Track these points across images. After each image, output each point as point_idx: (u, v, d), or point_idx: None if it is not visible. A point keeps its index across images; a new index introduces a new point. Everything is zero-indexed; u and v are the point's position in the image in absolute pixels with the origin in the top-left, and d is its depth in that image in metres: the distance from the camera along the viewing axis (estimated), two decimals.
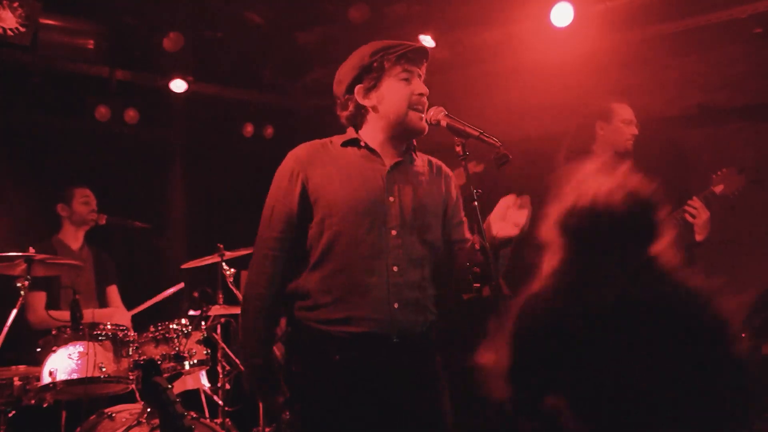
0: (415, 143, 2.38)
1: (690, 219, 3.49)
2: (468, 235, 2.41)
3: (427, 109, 2.28)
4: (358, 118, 2.32)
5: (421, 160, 2.40)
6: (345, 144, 2.31)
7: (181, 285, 4.31)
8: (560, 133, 3.97)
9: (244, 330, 2.28)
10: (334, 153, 2.30)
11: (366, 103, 2.28)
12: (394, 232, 2.22)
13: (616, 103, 3.69)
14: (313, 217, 2.23)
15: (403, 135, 2.31)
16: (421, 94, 2.26)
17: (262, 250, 2.28)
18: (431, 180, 2.38)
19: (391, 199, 2.25)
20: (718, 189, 3.49)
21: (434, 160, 2.45)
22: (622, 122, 3.65)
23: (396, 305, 2.17)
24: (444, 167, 2.45)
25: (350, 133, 2.34)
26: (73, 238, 4.25)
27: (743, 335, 3.67)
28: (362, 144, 2.30)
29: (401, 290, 2.19)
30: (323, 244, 2.20)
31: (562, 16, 3.92)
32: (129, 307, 4.33)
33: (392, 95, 2.25)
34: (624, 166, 1.61)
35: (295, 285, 2.26)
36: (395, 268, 2.19)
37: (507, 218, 2.12)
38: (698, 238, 3.51)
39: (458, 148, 2.20)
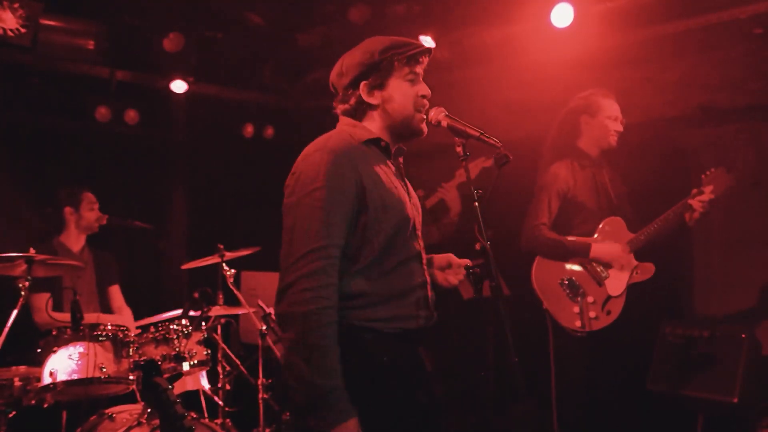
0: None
1: (694, 215, 3.47)
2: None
3: (428, 110, 2.28)
4: (358, 113, 2.26)
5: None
6: (366, 143, 2.21)
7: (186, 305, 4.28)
8: None
9: (311, 350, 1.93)
10: (363, 152, 2.17)
11: (371, 100, 2.23)
12: (419, 233, 2.27)
13: (602, 98, 3.67)
14: (361, 220, 2.08)
15: (404, 136, 2.29)
16: (424, 96, 2.25)
17: (318, 260, 1.98)
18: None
19: (408, 200, 2.26)
20: (708, 189, 3.48)
21: None
22: (608, 118, 3.63)
23: (431, 302, 2.25)
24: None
25: (361, 129, 2.24)
26: (75, 240, 4.25)
27: (743, 336, 3.70)
28: (383, 144, 2.24)
29: (430, 290, 2.26)
30: (375, 248, 2.09)
31: (562, 16, 3.92)
32: (135, 319, 4.31)
33: (399, 96, 2.22)
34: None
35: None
36: (425, 269, 2.25)
37: (445, 271, 2.29)
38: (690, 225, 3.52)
39: (459, 149, 2.21)
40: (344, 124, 2.28)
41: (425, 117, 2.26)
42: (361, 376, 2.03)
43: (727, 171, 3.49)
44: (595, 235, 3.61)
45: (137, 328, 3.89)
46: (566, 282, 3.57)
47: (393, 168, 2.28)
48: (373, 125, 2.26)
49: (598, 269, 3.58)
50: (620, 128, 3.64)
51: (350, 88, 2.24)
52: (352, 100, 2.25)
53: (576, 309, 3.52)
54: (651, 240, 3.56)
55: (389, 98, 2.22)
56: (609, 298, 3.53)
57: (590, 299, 3.53)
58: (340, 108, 2.30)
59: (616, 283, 3.56)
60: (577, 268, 3.60)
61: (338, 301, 2.02)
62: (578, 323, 3.49)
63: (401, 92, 2.22)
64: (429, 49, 2.27)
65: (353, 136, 2.20)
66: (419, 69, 2.25)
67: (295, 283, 1.97)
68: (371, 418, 1.99)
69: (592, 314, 3.51)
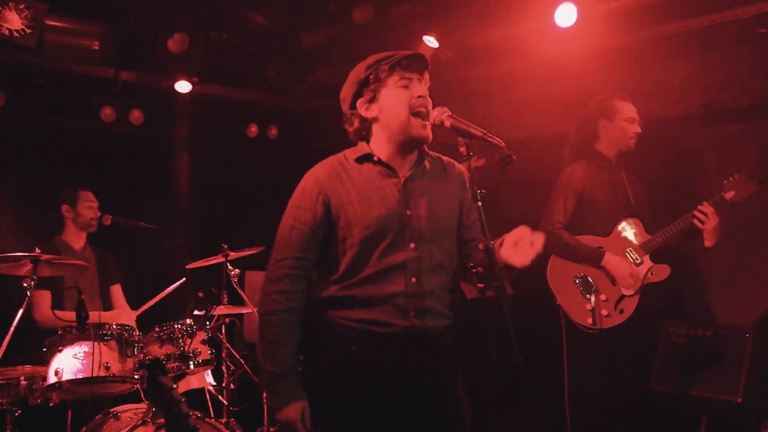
0: (426, 148, 2.38)
1: (699, 225, 3.47)
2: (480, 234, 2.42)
3: (431, 111, 2.29)
4: (364, 131, 2.35)
5: (433, 165, 2.41)
6: (359, 160, 2.33)
7: (183, 280, 4.34)
8: (564, 133, 3.98)
9: (264, 343, 2.27)
10: (350, 170, 2.32)
11: (368, 115, 2.31)
12: (412, 245, 2.27)
13: (619, 101, 3.69)
14: (336, 234, 2.28)
15: (407, 144, 2.31)
16: (420, 96, 2.27)
17: (280, 270, 2.28)
18: (445, 185, 2.40)
19: (408, 212, 2.28)
20: (729, 195, 3.46)
21: (445, 159, 2.46)
22: (626, 120, 3.66)
23: (412, 313, 2.25)
24: (456, 165, 2.45)
25: (363, 147, 2.36)
26: (76, 238, 4.27)
27: (747, 336, 3.69)
28: (376, 159, 2.32)
29: (418, 300, 2.26)
30: (346, 261, 2.26)
31: (565, 16, 3.92)
32: (133, 307, 4.34)
33: (391, 103, 2.27)
34: None
35: (319, 292, 2.32)
36: (413, 279, 2.26)
37: (519, 247, 2.14)
38: (707, 244, 3.49)
39: (462, 149, 2.21)
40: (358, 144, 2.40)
41: (427, 123, 2.27)
42: (332, 361, 2.26)
43: (750, 178, 3.46)
44: (611, 236, 3.63)
45: (137, 321, 3.93)
46: (580, 279, 3.60)
47: (390, 182, 2.30)
48: (378, 141, 2.33)
49: None
50: (638, 130, 3.67)
51: (351, 109, 2.35)
52: (356, 121, 2.35)
53: (588, 306, 3.53)
54: (666, 243, 3.57)
55: (383, 108, 2.29)
56: (622, 296, 3.55)
57: (603, 297, 3.55)
58: (350, 131, 2.39)
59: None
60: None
61: (315, 300, 2.30)
62: (590, 320, 3.51)
63: (393, 99, 2.27)
64: (416, 54, 2.30)
65: (351, 154, 2.36)
66: (412, 74, 2.28)
67: (263, 287, 2.31)
68: (336, 403, 2.24)
69: (604, 312, 3.53)
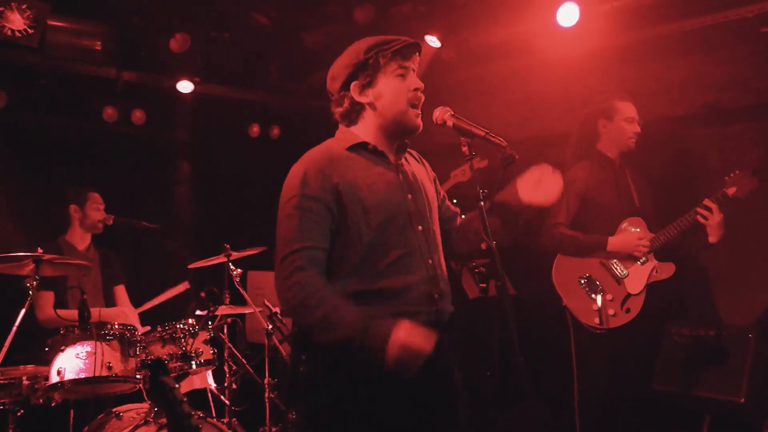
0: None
1: (702, 221, 3.48)
2: (453, 207, 2.47)
3: (432, 109, 2.29)
4: (353, 114, 2.29)
5: (409, 153, 2.41)
6: (352, 148, 2.26)
7: (186, 284, 4.34)
8: (566, 133, 3.98)
9: (324, 323, 2.04)
10: (346, 158, 2.23)
11: (362, 99, 2.26)
12: (420, 228, 2.23)
13: (618, 101, 3.69)
14: (345, 224, 2.15)
15: (399, 132, 2.29)
16: (416, 89, 2.25)
17: (294, 262, 2.09)
18: (423, 170, 2.42)
19: (409, 196, 2.26)
20: (731, 191, 3.47)
21: (409, 149, 2.43)
22: (625, 120, 3.66)
23: (436, 296, 2.20)
24: (415, 153, 2.46)
25: (349, 135, 2.29)
26: (80, 239, 4.26)
27: (750, 336, 3.68)
28: (371, 147, 2.26)
29: (438, 282, 2.22)
30: (360, 251, 2.14)
31: (568, 16, 3.92)
32: (136, 307, 4.35)
33: (390, 92, 2.23)
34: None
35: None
36: (430, 261, 2.22)
37: (539, 187, 2.15)
38: (711, 240, 3.49)
39: (464, 148, 2.22)
40: (337, 132, 2.33)
41: (420, 112, 2.26)
42: (356, 374, 2.08)
43: (752, 174, 3.46)
44: (615, 235, 3.64)
45: (142, 325, 3.93)
46: (585, 279, 3.61)
47: (387, 168, 2.27)
48: (367, 126, 2.29)
49: (618, 268, 3.60)
50: (638, 129, 3.67)
51: (342, 90, 2.28)
52: (346, 102, 2.28)
53: (595, 306, 3.53)
54: (670, 241, 3.57)
55: (379, 95, 2.24)
56: (628, 296, 3.55)
57: (609, 296, 3.56)
58: (336, 112, 2.33)
59: (636, 281, 3.57)
60: (596, 265, 3.62)
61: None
62: (596, 320, 3.51)
63: (391, 88, 2.23)
64: (415, 43, 2.27)
65: (338, 143, 2.27)
66: (409, 63, 2.25)
67: (281, 287, 2.11)
68: (346, 402, 2.09)
69: (610, 311, 3.53)
